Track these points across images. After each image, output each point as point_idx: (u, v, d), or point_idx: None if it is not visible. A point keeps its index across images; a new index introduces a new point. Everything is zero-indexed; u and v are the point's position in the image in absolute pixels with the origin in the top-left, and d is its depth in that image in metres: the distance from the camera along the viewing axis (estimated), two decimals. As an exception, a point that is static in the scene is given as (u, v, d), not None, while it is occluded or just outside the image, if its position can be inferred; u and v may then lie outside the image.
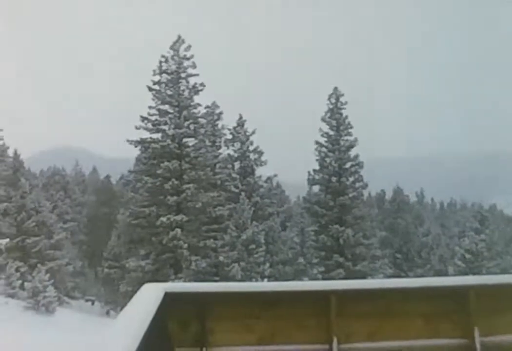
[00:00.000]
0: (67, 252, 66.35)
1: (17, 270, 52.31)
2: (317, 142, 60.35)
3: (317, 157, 60.51)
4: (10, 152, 71.34)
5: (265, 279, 51.42)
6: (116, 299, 61.49)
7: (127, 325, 4.22)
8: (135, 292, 5.94)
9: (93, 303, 68.84)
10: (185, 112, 57.63)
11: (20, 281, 51.54)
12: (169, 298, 5.91)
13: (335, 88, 60.54)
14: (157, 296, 5.71)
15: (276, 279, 52.91)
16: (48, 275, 47.45)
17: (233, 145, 63.88)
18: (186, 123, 57.66)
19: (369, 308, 6.93)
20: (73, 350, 17.61)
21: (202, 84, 58.38)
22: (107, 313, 61.91)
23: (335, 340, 6.77)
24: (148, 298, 5.51)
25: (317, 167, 60.80)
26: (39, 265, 50.47)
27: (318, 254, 58.82)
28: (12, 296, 48.28)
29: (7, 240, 16.12)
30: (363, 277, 52.75)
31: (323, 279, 53.00)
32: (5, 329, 29.13)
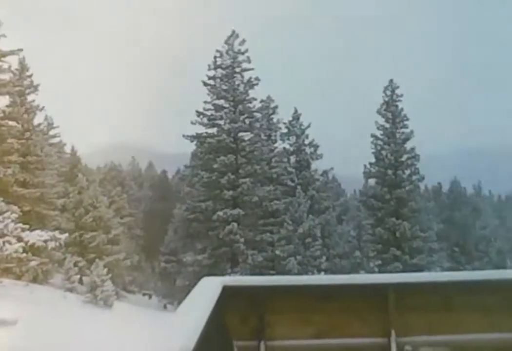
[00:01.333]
0: (124, 247, 66.87)
1: (75, 264, 52.79)
2: (372, 135, 59.90)
3: (373, 150, 60.07)
4: (68, 149, 72.19)
5: (322, 273, 51.18)
6: (173, 293, 61.91)
7: (186, 319, 4.18)
8: (192, 286, 5.89)
9: (150, 297, 69.42)
10: (240, 107, 57.70)
11: (78, 276, 52.06)
12: (227, 292, 5.85)
13: (391, 80, 59.99)
14: (216, 289, 5.66)
15: (333, 273, 52.59)
16: (106, 269, 47.71)
17: (288, 139, 63.67)
18: (241, 118, 57.74)
19: (427, 301, 6.81)
20: (134, 344, 17.65)
21: (257, 78, 58.40)
22: (164, 307, 62.33)
23: (393, 333, 6.67)
24: (206, 292, 5.47)
25: (373, 160, 60.33)
26: (97, 259, 50.80)
27: (374, 247, 58.42)
28: (70, 290, 48.72)
29: (66, 235, 16.29)
30: (420, 270, 52.26)
31: (380, 272, 52.61)
32: (64, 323, 29.38)
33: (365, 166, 60.78)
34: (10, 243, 16.01)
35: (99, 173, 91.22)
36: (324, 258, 53.10)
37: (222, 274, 46.57)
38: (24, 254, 16.40)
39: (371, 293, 6.89)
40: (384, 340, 6.68)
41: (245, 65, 58.59)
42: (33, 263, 17.65)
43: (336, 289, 6.80)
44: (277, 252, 52.41)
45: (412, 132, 59.32)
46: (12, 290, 38.11)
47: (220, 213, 53.66)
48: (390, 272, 50.21)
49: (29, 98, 56.53)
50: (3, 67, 46.65)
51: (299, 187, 56.44)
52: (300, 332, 6.55)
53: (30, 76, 57.16)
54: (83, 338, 26.21)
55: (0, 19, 43.38)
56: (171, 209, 70.85)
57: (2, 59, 46.51)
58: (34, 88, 56.94)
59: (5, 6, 44.92)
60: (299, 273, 49.27)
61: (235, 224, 53.14)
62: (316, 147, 63.52)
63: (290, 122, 63.64)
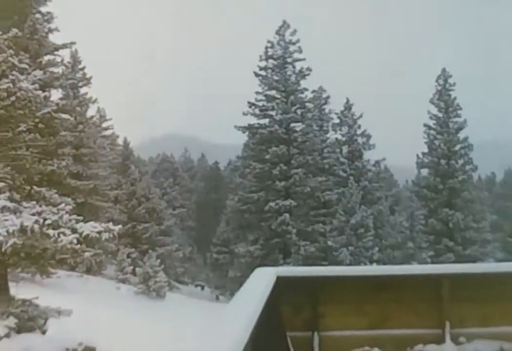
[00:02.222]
0: (177, 238, 67.33)
1: (128, 256, 53.32)
2: (425, 125, 59.38)
3: (426, 140, 59.57)
4: (120, 140, 72.80)
5: (374, 264, 50.95)
6: (225, 284, 62.13)
7: (241, 309, 4.15)
8: (244, 277, 5.84)
9: (202, 288, 69.73)
10: (292, 97, 57.63)
11: (131, 267, 52.53)
12: (281, 282, 5.80)
13: (443, 69, 59.35)
14: (270, 280, 5.61)
15: (385, 264, 52.33)
16: (158, 260, 48.13)
17: (340, 129, 63.41)
18: (293, 108, 57.66)
19: (482, 292, 6.70)
20: (187, 335, 17.69)
21: (308, 69, 58.25)
22: (217, 298, 62.55)
23: (447, 324, 6.59)
24: (260, 282, 5.42)
25: (426, 150, 59.86)
26: (149, 251, 51.29)
27: (427, 238, 58.02)
28: (123, 281, 49.21)
29: (120, 226, 16.42)
30: (473, 261, 51.74)
31: (433, 263, 52.18)
32: (118, 313, 29.63)
33: (417, 156, 60.34)
34: (64, 234, 16.08)
35: (151, 164, 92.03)
36: (376, 249, 52.83)
37: (274, 265, 46.60)
38: (79, 246, 16.46)
39: (425, 284, 6.81)
40: (438, 331, 6.61)
41: (296, 55, 58.54)
42: (87, 254, 17.68)
43: (390, 280, 6.73)
44: (329, 243, 52.31)
45: (465, 121, 58.66)
46: (67, 281, 38.61)
47: (272, 204, 53.70)
48: (443, 263, 49.83)
49: (82, 90, 57.15)
50: (56, 60, 47.05)
51: (351, 177, 56.18)
52: (353, 323, 6.51)
53: (82, 69, 57.73)
54: (136, 328, 26.40)
55: (53, 13, 43.72)
56: (223, 200, 71.12)
57: (55, 52, 46.94)
58: (87, 80, 57.51)
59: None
60: (351, 264, 49.12)
61: (287, 215, 53.14)
62: (369, 137, 63.15)
63: (342, 112, 63.35)
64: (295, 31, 58.14)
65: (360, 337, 6.50)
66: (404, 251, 57.72)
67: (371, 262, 50.68)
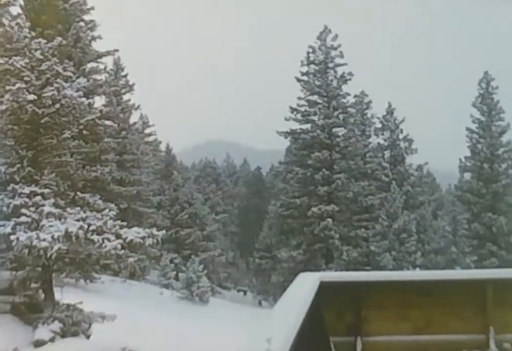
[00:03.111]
0: (219, 243, 67.42)
1: (171, 261, 53.55)
2: (468, 129, 58.80)
3: (468, 144, 58.95)
4: (163, 146, 73.17)
5: (417, 269, 50.60)
6: (267, 289, 62.07)
7: (286, 314, 4.18)
8: (287, 282, 5.91)
9: (245, 293, 69.69)
10: (334, 102, 57.54)
11: (174, 272, 52.74)
12: (324, 287, 5.81)
13: (486, 73, 58.79)
14: (313, 285, 5.63)
15: (428, 269, 51.91)
16: (201, 266, 48.27)
17: (382, 134, 63.09)
18: (335, 113, 57.59)
19: None
20: (231, 340, 17.73)
21: (350, 73, 58.12)
22: (259, 303, 62.50)
23: (491, 330, 6.53)
24: (304, 288, 5.44)
25: (469, 154, 59.24)
26: (192, 256, 51.47)
27: (470, 243, 57.37)
28: (166, 286, 49.42)
29: (163, 232, 16.51)
30: (518, 266, 51.14)
31: (476, 268, 51.66)
32: (161, 318, 29.76)
33: (460, 160, 59.75)
34: (109, 240, 16.24)
35: (194, 170, 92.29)
36: (419, 253, 52.43)
37: (317, 270, 46.49)
38: (123, 251, 16.61)
39: (469, 289, 6.76)
40: (482, 337, 6.56)
41: (338, 60, 58.47)
42: (131, 260, 17.84)
43: (433, 285, 6.69)
44: (372, 247, 52.07)
45: (508, 124, 57.98)
46: (110, 286, 38.89)
47: (315, 209, 53.62)
48: (487, 268, 49.32)
49: (125, 97, 57.57)
50: (99, 67, 47.47)
51: (393, 182, 55.85)
52: (396, 328, 6.48)
53: (125, 76, 58.17)
54: (179, 333, 26.48)
55: (96, 20, 44.16)
56: (266, 206, 71.08)
57: (98, 60, 47.37)
58: (130, 87, 57.94)
59: (101, 7, 45.59)
60: (394, 269, 48.82)
61: (330, 220, 53.02)
62: (411, 141, 62.76)
63: (384, 116, 63.04)
64: (336, 36, 58.10)
65: (403, 342, 6.48)
66: (447, 256, 57.22)
67: (414, 267, 50.32)
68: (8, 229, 15.90)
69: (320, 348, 5.76)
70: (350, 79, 58.32)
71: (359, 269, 50.14)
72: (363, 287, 6.52)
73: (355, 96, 62.10)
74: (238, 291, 70.32)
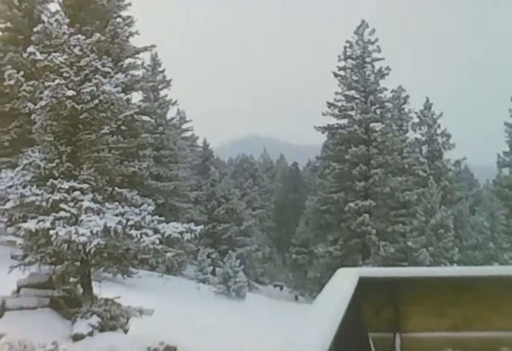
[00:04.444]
0: (256, 239, 67.49)
1: (208, 256, 53.75)
2: (506, 123, 58.25)
3: (507, 139, 58.39)
4: (200, 142, 73.48)
5: (454, 265, 50.28)
6: (304, 285, 62.00)
7: (325, 310, 4.16)
8: (324, 278, 5.91)
9: (281, 289, 69.68)
10: (371, 97, 57.29)
11: (211, 267, 52.94)
12: (363, 283, 5.78)
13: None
14: (352, 281, 5.60)
15: (465, 265, 51.55)
16: (238, 261, 48.37)
17: (420, 129, 62.75)
18: (372, 108, 57.34)
19: None
20: (269, 337, 17.79)
21: (387, 68, 57.81)
22: (296, 298, 62.47)
23: None
24: (343, 283, 5.42)
25: (507, 149, 58.68)
26: (229, 251, 51.56)
27: (509, 238, 56.85)
28: (203, 281, 49.60)
29: (201, 226, 16.59)
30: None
31: (515, 264, 51.24)
32: (198, 313, 29.86)
33: (498, 155, 59.23)
34: (147, 235, 16.34)
35: (231, 165, 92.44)
36: (456, 249, 52.03)
37: (354, 266, 46.37)
38: (160, 246, 16.70)
39: (508, 285, 6.69)
40: None
41: (375, 54, 58.16)
42: (168, 255, 17.91)
43: (473, 281, 6.62)
44: (409, 243, 51.76)
45: (547, 118, 57.37)
46: (147, 281, 39.10)
47: (352, 204, 53.46)
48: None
49: (162, 93, 57.85)
50: (136, 63, 47.73)
51: (431, 177, 55.44)
52: (435, 324, 6.43)
53: (162, 71, 58.43)
54: (216, 328, 26.55)
55: (133, 16, 44.45)
56: (303, 201, 71.02)
57: (136, 55, 47.61)
58: (167, 83, 58.20)
59: (138, 3, 45.86)
60: (431, 265, 48.55)
61: (367, 215, 52.84)
62: (448, 136, 62.35)
63: (421, 111, 62.68)
64: (373, 30, 57.85)
65: (442, 339, 6.43)
66: (485, 251, 56.73)
67: (451, 263, 49.99)
68: (48, 224, 16.03)
69: (359, 344, 5.74)
70: (387, 74, 58.03)
71: (396, 264, 49.96)
72: (402, 283, 6.47)
73: (393, 90, 61.83)
74: (275, 286, 70.33)
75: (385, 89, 58.79)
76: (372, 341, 6.11)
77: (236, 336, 25.09)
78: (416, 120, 63.09)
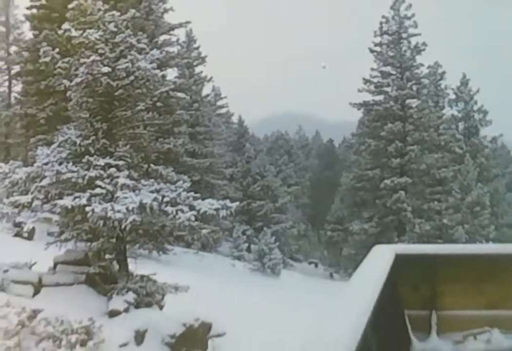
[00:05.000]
0: (291, 216, 67.50)
1: (243, 233, 53.89)
2: (545, 100, 57.67)
3: (546, 115, 57.88)
4: (235, 118, 73.48)
5: (490, 242, 49.98)
6: (339, 262, 61.99)
7: (361, 288, 4.11)
8: (359, 255, 5.84)
9: (316, 266, 69.71)
10: (407, 73, 56.80)
11: (246, 244, 53.09)
12: (399, 260, 5.70)
13: None
14: (389, 257, 5.53)
15: (501, 242, 51.27)
16: (273, 238, 48.44)
17: (456, 105, 62.23)
18: (408, 84, 56.87)
19: None
20: (305, 314, 17.78)
21: (424, 44, 57.23)
22: (331, 275, 62.48)
23: None
24: (380, 260, 5.36)
25: (545, 126, 58.15)
26: (264, 228, 51.67)
27: (545, 215, 56.57)
28: (238, 258, 49.78)
29: (237, 203, 16.62)
30: None
31: (552, 242, 50.83)
32: (233, 290, 29.94)
33: (535, 132, 58.70)
34: (182, 211, 16.33)
35: (266, 142, 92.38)
36: (492, 227, 51.66)
37: (389, 243, 46.22)
38: (196, 223, 16.70)
39: None
40: None
41: (411, 30, 57.54)
42: (204, 231, 17.92)
43: (510, 258, 6.52)
44: (445, 220, 51.47)
45: None
46: (183, 257, 39.29)
47: (388, 181, 53.23)
48: None
49: (197, 69, 57.84)
50: (171, 40, 47.75)
51: (467, 154, 55.05)
52: (472, 302, 6.35)
53: (197, 48, 58.38)
54: (251, 305, 26.61)
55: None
56: (338, 178, 70.93)
57: (171, 32, 47.59)
58: (202, 59, 58.17)
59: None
60: (466, 242, 48.31)
61: (403, 192, 52.58)
62: (485, 113, 61.79)
63: (458, 87, 62.13)
64: (410, 5, 57.18)
65: (479, 317, 6.35)
66: (520, 229, 56.44)
67: (486, 241, 49.68)
68: (84, 201, 16.08)
69: (395, 322, 5.70)
70: (424, 50, 57.45)
71: (431, 242, 49.71)
72: (438, 260, 6.40)
73: (429, 66, 61.21)
74: (310, 263, 70.38)
75: (422, 65, 58.25)
76: (408, 319, 6.05)
77: (271, 313, 25.13)
78: (453, 96, 62.59)
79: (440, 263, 6.36)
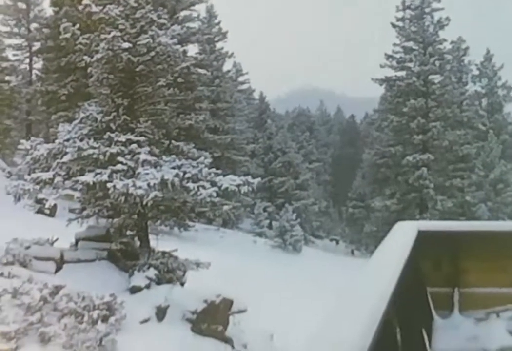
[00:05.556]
0: (313, 192, 67.47)
1: (264, 209, 53.96)
2: None
3: None
4: (256, 95, 73.36)
5: (512, 220, 49.82)
6: (360, 239, 61.99)
7: (384, 264, 4.06)
8: (380, 232, 5.78)
9: (337, 243, 69.72)
10: (430, 48, 56.31)
11: (267, 221, 53.13)
12: (422, 237, 5.64)
13: None
14: (411, 234, 5.47)
15: (524, 220, 51.04)
16: (294, 214, 48.45)
17: (480, 81, 61.74)
18: (431, 60, 56.35)
19: None
20: (326, 291, 17.79)
21: (447, 19, 56.65)
22: (352, 252, 62.50)
23: None
24: (402, 237, 5.30)
25: None
26: (286, 205, 51.66)
27: None
28: (260, 235, 49.88)
29: (259, 179, 16.60)
30: None
31: None
32: (255, 266, 30.00)
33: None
34: (204, 187, 16.30)
35: (287, 118, 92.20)
36: (515, 204, 51.49)
37: (411, 220, 46.04)
38: (218, 199, 16.67)
39: None
40: None
41: (435, 5, 56.97)
42: (226, 208, 17.91)
43: None
44: (467, 198, 51.24)
45: None
46: (204, 234, 39.41)
47: (410, 158, 52.98)
48: None
49: (218, 45, 57.65)
50: (192, 15, 47.58)
51: (490, 131, 54.69)
52: (494, 280, 6.29)
53: (218, 23, 58.16)
54: (273, 282, 26.67)
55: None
56: (360, 154, 70.73)
57: (191, 7, 47.42)
58: (223, 35, 57.95)
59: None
60: (489, 220, 48.10)
61: (425, 169, 52.32)
62: (509, 89, 61.29)
63: (481, 63, 61.62)
64: (433, -21, 56.64)
65: (502, 295, 6.30)
66: (545, 207, 56.04)
67: (509, 218, 49.48)
68: (105, 177, 16.08)
69: (417, 299, 5.65)
70: (447, 25, 56.87)
71: (453, 219, 49.56)
72: (461, 236, 6.34)
73: (452, 42, 60.72)
74: (331, 240, 70.41)
75: (445, 40, 57.72)
76: (431, 296, 6.00)
77: (292, 290, 25.16)
78: (476, 72, 62.10)
79: (463, 240, 6.31)
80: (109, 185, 15.78)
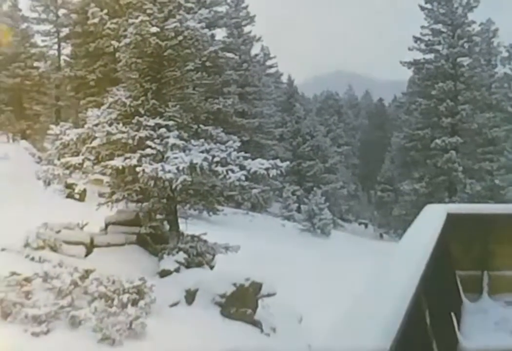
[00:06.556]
0: (341, 176, 67.36)
1: (293, 193, 53.94)
2: None
3: None
4: (284, 78, 73.18)
5: (543, 203, 49.39)
6: (389, 223, 61.78)
7: (413, 246, 4.09)
8: (409, 215, 5.80)
9: (366, 226, 69.57)
10: (458, 31, 55.80)
11: (296, 204, 53.13)
12: (451, 220, 5.64)
13: None
14: (440, 217, 5.48)
15: (554, 203, 50.56)
16: (323, 198, 48.40)
17: (509, 63, 60.98)
18: (460, 42, 55.87)
19: None
20: (356, 274, 17.76)
21: (476, 0, 56.05)
22: (380, 236, 62.32)
23: None
24: (431, 220, 5.31)
25: None
26: (314, 188, 51.62)
27: None
28: (288, 218, 49.89)
29: (287, 163, 16.63)
30: None
31: None
32: (284, 250, 30.03)
33: None
34: (233, 171, 16.34)
35: (316, 102, 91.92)
36: (545, 188, 51.08)
37: (439, 204, 45.81)
38: (246, 182, 16.71)
39: None
40: None
41: (464, -14, 56.39)
42: (254, 191, 17.93)
43: None
44: (496, 181, 50.92)
45: None
46: (233, 218, 39.48)
47: (438, 141, 52.65)
48: None
49: (246, 29, 57.50)
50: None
51: (520, 113, 54.25)
52: None
53: (246, 7, 58.00)
54: (302, 265, 26.68)
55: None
56: (388, 138, 70.47)
57: (219, -9, 47.31)
58: (251, 19, 57.80)
59: None
60: (518, 203, 47.82)
61: (454, 152, 51.99)
62: (540, 71, 60.62)
63: (511, 45, 60.96)
64: (463, -40, 56.07)
65: None
66: None
67: (539, 202, 49.16)
68: (134, 161, 16.17)
69: (446, 282, 5.66)
70: (476, 6, 56.25)
71: (482, 202, 49.30)
72: (491, 220, 6.32)
73: (481, 24, 60.07)
74: (359, 224, 70.29)
75: (474, 22, 57.15)
76: (460, 279, 6.00)
77: (321, 274, 25.18)
78: (506, 54, 61.36)
79: (493, 223, 6.30)
80: (138, 169, 15.87)
